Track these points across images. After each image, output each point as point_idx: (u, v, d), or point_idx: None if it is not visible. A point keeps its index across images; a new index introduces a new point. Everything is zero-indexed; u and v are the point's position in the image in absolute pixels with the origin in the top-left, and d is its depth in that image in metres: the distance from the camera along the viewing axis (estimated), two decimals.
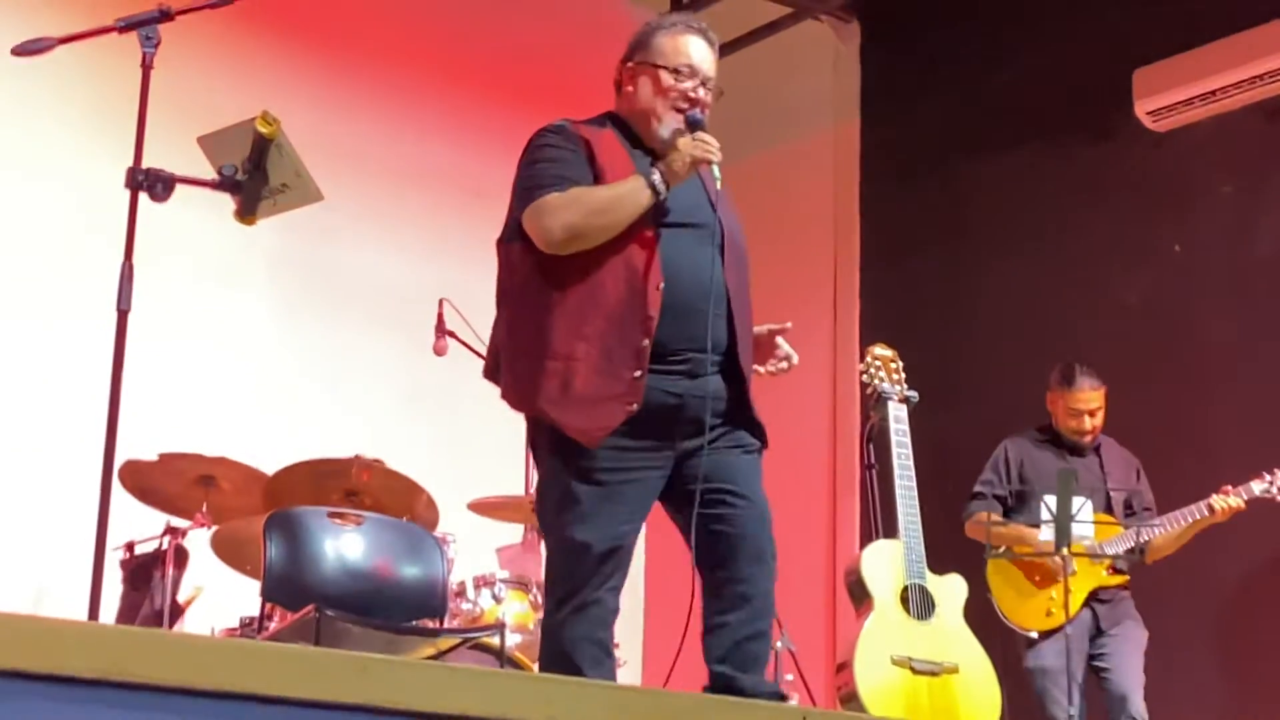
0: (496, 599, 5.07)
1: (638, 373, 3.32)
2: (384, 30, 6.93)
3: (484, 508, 5.49)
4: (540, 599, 5.22)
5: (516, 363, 3.43)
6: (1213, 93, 6.44)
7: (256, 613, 4.58)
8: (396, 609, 4.42)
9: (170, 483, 5.10)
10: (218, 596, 5.16)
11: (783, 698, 3.58)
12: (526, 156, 3.50)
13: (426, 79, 6.93)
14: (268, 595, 4.37)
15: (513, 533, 5.69)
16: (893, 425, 5.01)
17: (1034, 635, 5.22)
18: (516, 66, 7.16)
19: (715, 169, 3.44)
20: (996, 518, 5.30)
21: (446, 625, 4.66)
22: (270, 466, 4.99)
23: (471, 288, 6.26)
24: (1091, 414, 5.44)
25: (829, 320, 7.52)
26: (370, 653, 3.26)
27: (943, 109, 7.41)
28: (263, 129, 3.48)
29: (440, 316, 5.84)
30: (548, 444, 3.41)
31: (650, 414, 3.33)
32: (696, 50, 3.56)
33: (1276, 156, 6.40)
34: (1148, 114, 6.63)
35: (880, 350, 5.10)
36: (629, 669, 5.81)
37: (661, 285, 3.37)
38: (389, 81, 6.84)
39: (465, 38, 7.14)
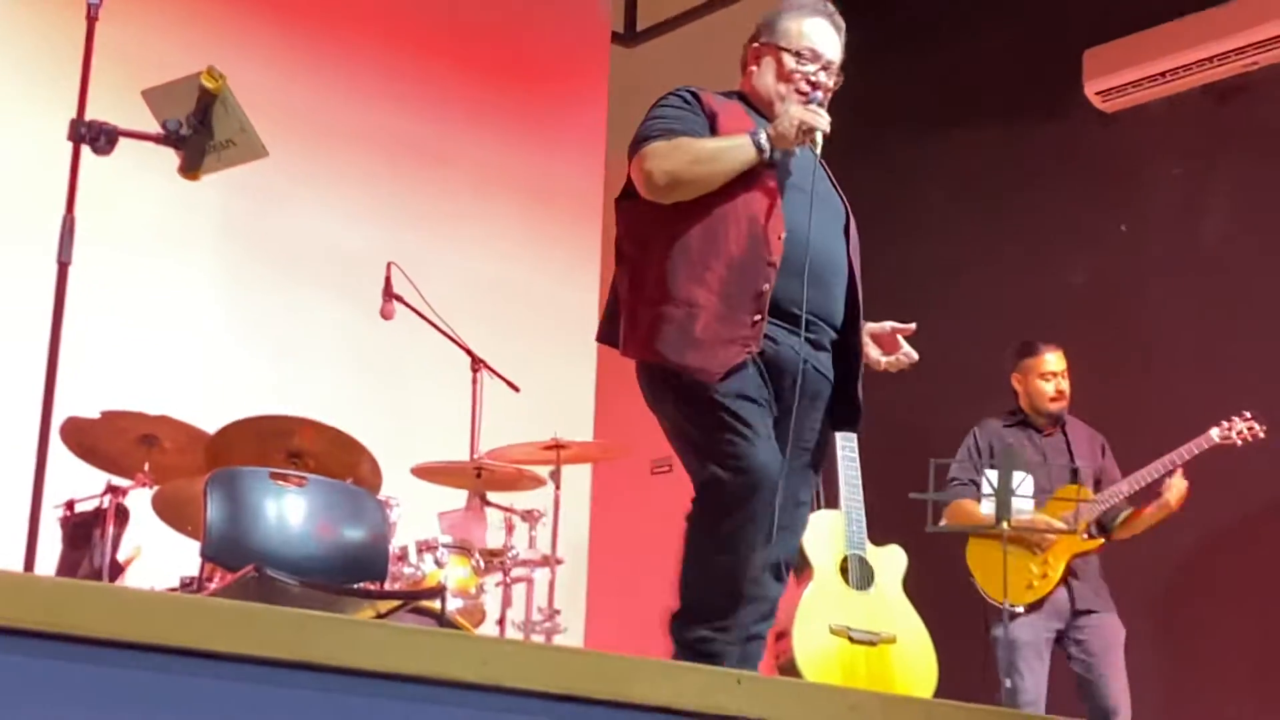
0: (438, 564, 5.06)
1: (757, 317, 3.32)
2: None
3: (428, 473, 5.48)
4: (481, 564, 5.24)
5: (637, 312, 3.41)
6: (1163, 74, 6.48)
7: (196, 573, 4.55)
8: (337, 571, 4.39)
9: (112, 441, 5.05)
10: (158, 557, 5.11)
11: None
12: (645, 114, 3.51)
13: (378, 40, 6.87)
14: (208, 555, 4.32)
15: (456, 498, 5.68)
16: None
17: (1020, 610, 5.16)
18: (470, 31, 7.10)
19: (819, 137, 3.41)
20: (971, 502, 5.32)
21: (387, 589, 4.65)
22: (214, 428, 4.95)
23: (420, 251, 6.26)
24: (1063, 376, 5.47)
25: None
26: None
27: (892, 86, 7.41)
28: (208, 84, 3.46)
29: (388, 280, 5.80)
30: (668, 394, 3.37)
31: (770, 366, 3.32)
32: (820, 34, 3.58)
33: (1226, 139, 6.45)
34: (1097, 94, 6.67)
35: None
36: (571, 634, 5.82)
37: (784, 235, 3.36)
38: (339, 41, 6.78)
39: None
